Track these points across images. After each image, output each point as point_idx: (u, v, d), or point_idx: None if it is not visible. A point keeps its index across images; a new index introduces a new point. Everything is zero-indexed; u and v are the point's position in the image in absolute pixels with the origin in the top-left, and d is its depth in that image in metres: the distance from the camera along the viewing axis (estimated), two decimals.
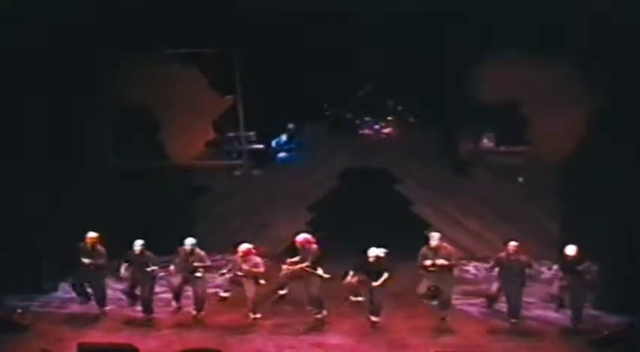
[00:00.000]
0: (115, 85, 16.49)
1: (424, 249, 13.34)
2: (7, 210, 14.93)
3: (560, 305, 13.36)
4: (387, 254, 13.25)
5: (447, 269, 13.28)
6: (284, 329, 13.40)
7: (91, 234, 13.90)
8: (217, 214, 18.33)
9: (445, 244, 13.51)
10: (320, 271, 13.46)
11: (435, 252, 13.22)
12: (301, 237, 13.76)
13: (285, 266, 13.75)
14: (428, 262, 13.15)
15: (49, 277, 15.41)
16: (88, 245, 13.87)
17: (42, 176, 15.19)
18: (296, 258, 13.78)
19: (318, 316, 13.60)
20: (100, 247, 13.91)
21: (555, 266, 13.99)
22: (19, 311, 13.97)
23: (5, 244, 14.75)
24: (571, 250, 13.07)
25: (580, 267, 13.02)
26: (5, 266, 14.61)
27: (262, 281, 13.54)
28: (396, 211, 17.68)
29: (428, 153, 17.99)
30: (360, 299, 13.39)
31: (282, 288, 13.88)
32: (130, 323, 13.73)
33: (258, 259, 13.59)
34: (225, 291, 13.66)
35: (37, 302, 14.81)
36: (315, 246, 13.64)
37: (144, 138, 17.33)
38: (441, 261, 13.15)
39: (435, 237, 13.39)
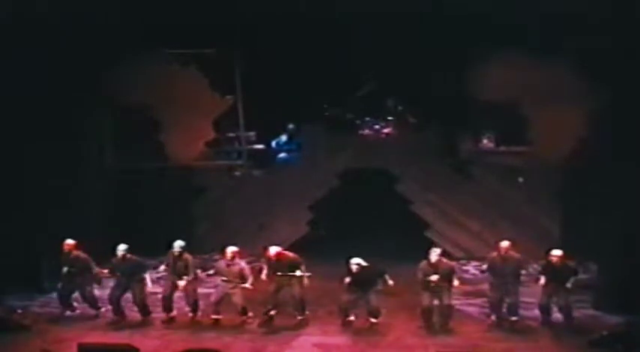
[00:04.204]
0: (115, 84, 16.49)
1: (424, 265, 13.18)
2: (7, 210, 14.93)
3: (547, 315, 13.32)
4: (365, 263, 13.17)
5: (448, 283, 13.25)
6: (283, 329, 13.39)
7: (69, 241, 13.72)
8: (217, 214, 18.33)
9: (444, 260, 13.43)
10: (298, 272, 13.42)
11: (436, 268, 13.13)
12: (274, 250, 13.54)
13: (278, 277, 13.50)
14: (434, 277, 13.03)
15: (49, 277, 15.38)
16: (66, 252, 13.70)
17: (42, 176, 15.19)
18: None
19: (300, 317, 13.59)
20: (77, 253, 13.71)
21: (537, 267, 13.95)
22: (19, 311, 13.97)
23: (5, 244, 14.77)
24: (555, 254, 13.07)
25: (568, 284, 13.04)
26: (5, 266, 14.62)
27: (248, 285, 13.36)
28: (396, 211, 17.69)
29: (428, 153, 17.99)
30: (352, 318, 13.39)
31: (273, 308, 13.56)
32: (130, 323, 13.72)
33: (243, 263, 13.54)
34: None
35: (37, 302, 14.82)
36: (292, 255, 13.61)
37: (144, 138, 17.34)
38: (456, 283, 13.21)
39: (435, 253, 13.24)
